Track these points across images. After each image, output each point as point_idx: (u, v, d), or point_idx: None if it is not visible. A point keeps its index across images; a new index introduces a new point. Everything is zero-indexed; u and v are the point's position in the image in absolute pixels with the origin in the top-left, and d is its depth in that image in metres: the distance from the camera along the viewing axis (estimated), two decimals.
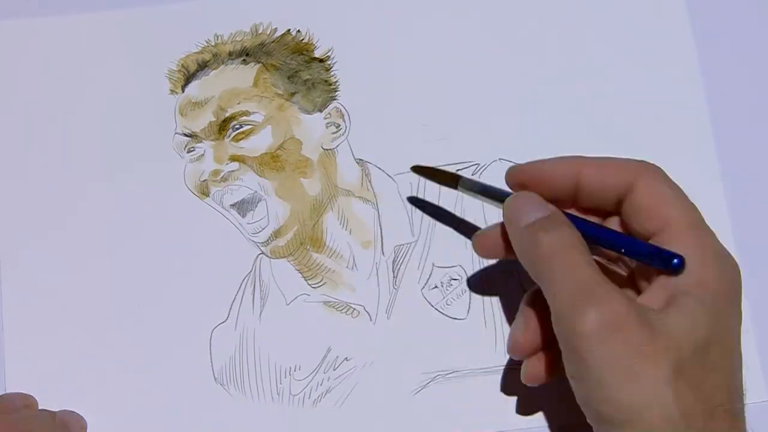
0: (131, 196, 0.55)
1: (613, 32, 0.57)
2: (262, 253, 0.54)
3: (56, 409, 0.51)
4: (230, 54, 0.57)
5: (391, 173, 0.55)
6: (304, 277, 0.54)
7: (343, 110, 0.56)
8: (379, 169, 0.55)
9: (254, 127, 0.55)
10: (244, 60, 0.57)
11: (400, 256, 0.54)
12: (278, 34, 0.57)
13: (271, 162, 0.55)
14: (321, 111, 0.56)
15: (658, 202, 0.41)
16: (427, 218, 0.54)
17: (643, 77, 0.56)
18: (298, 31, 0.57)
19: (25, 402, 0.51)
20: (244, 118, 0.55)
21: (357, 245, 0.54)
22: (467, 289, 0.53)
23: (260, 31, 0.57)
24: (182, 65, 0.57)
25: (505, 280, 0.53)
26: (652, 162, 0.43)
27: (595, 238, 0.42)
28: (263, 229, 0.54)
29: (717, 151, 0.55)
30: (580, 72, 0.56)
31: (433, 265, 0.53)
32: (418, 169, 0.52)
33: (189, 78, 0.56)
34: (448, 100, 0.56)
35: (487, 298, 0.53)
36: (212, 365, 0.52)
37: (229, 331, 0.53)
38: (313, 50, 0.57)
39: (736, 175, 0.55)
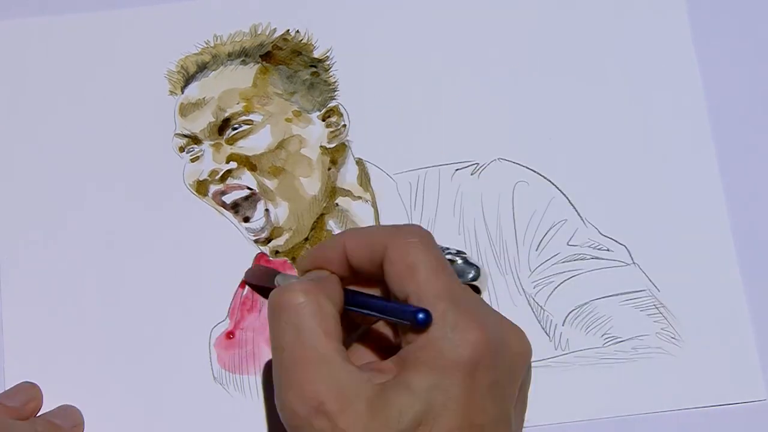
0: (131, 195, 0.55)
1: (613, 32, 0.57)
2: (262, 252, 0.54)
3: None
4: (229, 55, 0.57)
5: (390, 172, 0.55)
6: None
7: (342, 110, 0.56)
8: (379, 168, 0.55)
9: (253, 127, 0.55)
10: (243, 60, 0.57)
11: None
12: (277, 34, 0.57)
13: (270, 161, 0.55)
14: (320, 110, 0.56)
15: (403, 272, 0.41)
16: (426, 216, 0.54)
17: (642, 77, 0.56)
18: (297, 31, 0.57)
19: (30, 396, 0.51)
20: (244, 118, 0.55)
21: None
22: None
23: (259, 32, 0.57)
24: (182, 66, 0.57)
25: (505, 282, 0.53)
26: (418, 226, 0.43)
27: (353, 303, 0.43)
28: (262, 228, 0.54)
29: (717, 151, 0.55)
30: (580, 72, 0.56)
31: None
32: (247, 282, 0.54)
33: (188, 79, 0.57)
34: (448, 99, 0.56)
35: (486, 295, 0.53)
36: (211, 365, 0.52)
37: (229, 330, 0.53)
38: (312, 50, 0.57)
39: (735, 175, 0.55)
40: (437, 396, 0.38)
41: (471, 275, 0.45)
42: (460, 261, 0.45)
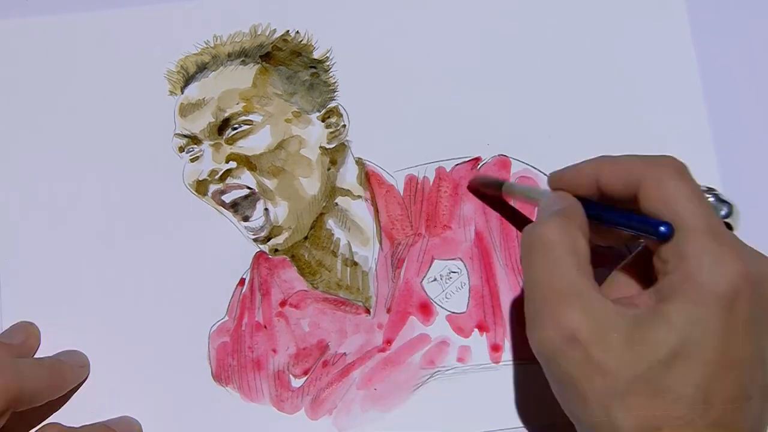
0: (131, 195, 0.55)
1: (613, 31, 0.57)
2: (261, 251, 0.54)
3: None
4: (229, 55, 0.57)
5: (390, 171, 0.55)
6: (302, 275, 0.54)
7: (342, 110, 0.56)
8: (378, 167, 0.55)
9: (253, 127, 0.55)
10: (243, 61, 0.57)
11: (399, 250, 0.54)
12: (277, 35, 0.57)
13: (269, 162, 0.55)
14: (320, 111, 0.56)
15: (660, 203, 0.41)
16: (425, 212, 0.54)
17: (642, 76, 0.56)
18: (297, 32, 0.58)
19: (28, 333, 0.51)
20: (243, 118, 0.55)
21: (356, 243, 0.54)
22: (467, 282, 0.53)
23: (259, 33, 0.57)
24: (181, 66, 0.57)
25: (505, 273, 0.53)
26: (673, 157, 0.43)
27: (592, 215, 0.43)
28: (261, 227, 0.54)
29: (716, 151, 0.55)
30: (580, 69, 0.57)
31: (433, 257, 0.53)
32: (471, 186, 0.54)
33: (188, 79, 0.57)
34: (448, 99, 0.56)
35: (486, 292, 0.53)
36: (211, 363, 0.52)
37: (228, 328, 0.53)
38: (312, 51, 0.57)
39: (735, 174, 0.55)
40: (695, 329, 0.38)
41: (724, 212, 0.45)
42: (711, 198, 0.45)
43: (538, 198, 0.47)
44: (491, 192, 0.54)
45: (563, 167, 0.46)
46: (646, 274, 0.43)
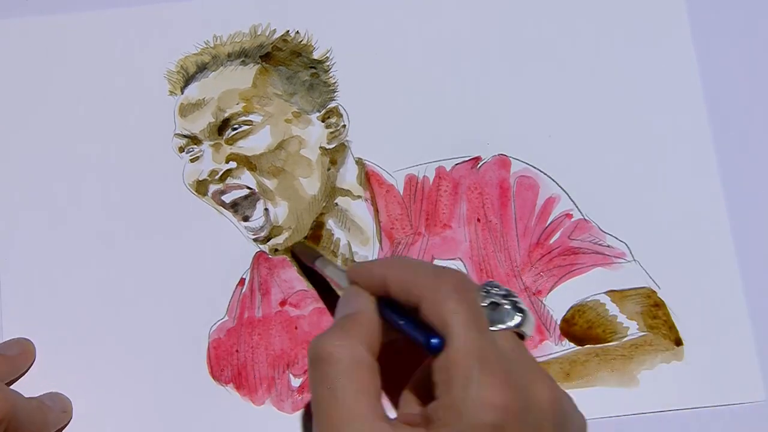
0: (131, 195, 0.55)
1: (613, 31, 0.57)
2: (261, 251, 0.54)
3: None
4: (229, 55, 0.57)
5: (390, 170, 0.55)
6: (302, 274, 0.54)
7: (342, 110, 0.56)
8: (378, 167, 0.55)
9: (253, 128, 0.55)
10: (243, 61, 0.57)
11: (398, 249, 0.54)
12: (277, 35, 0.57)
13: (269, 162, 0.55)
14: (320, 111, 0.56)
15: (436, 322, 0.40)
16: (425, 211, 0.54)
17: (642, 76, 0.56)
18: (297, 32, 0.58)
19: (22, 348, 0.51)
20: (243, 118, 0.55)
21: (355, 242, 0.54)
22: None
23: (259, 33, 0.57)
24: (181, 66, 0.57)
25: (505, 274, 0.53)
26: (456, 273, 0.42)
27: (383, 314, 0.43)
28: (261, 227, 0.54)
29: (716, 149, 0.55)
30: (580, 69, 0.57)
31: (433, 256, 0.53)
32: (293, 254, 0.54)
33: (188, 80, 0.57)
34: (448, 99, 0.56)
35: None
36: (210, 363, 0.52)
37: (228, 328, 0.53)
38: (311, 51, 0.57)
39: (734, 174, 0.55)
40: None
41: (516, 321, 0.43)
42: (507, 305, 0.43)
43: (341, 287, 0.47)
44: (307, 261, 0.53)
45: (361, 261, 0.46)
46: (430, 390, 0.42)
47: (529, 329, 0.43)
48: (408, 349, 0.42)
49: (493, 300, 0.43)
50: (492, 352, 0.39)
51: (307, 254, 0.53)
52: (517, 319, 0.43)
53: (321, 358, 0.41)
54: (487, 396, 0.38)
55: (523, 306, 0.43)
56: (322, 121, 0.56)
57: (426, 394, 0.42)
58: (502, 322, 0.42)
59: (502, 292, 0.44)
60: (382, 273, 0.43)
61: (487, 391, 0.38)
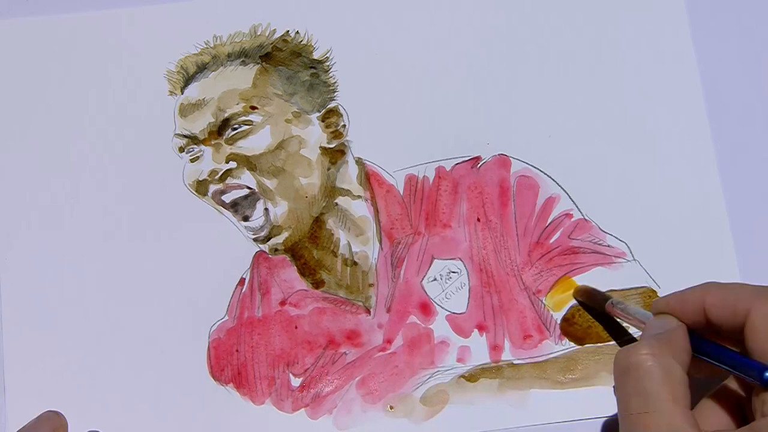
0: (131, 195, 0.55)
1: (613, 31, 0.57)
2: (261, 250, 0.54)
3: (56, 407, 0.51)
4: (229, 55, 0.57)
5: (390, 170, 0.55)
6: (302, 274, 0.54)
7: (342, 110, 0.56)
8: (378, 167, 0.55)
9: (253, 128, 0.55)
10: (243, 61, 0.57)
11: (399, 249, 0.54)
12: (277, 35, 0.57)
13: (269, 162, 0.55)
14: (320, 111, 0.56)
15: (766, 339, 0.39)
16: (425, 211, 0.54)
17: (642, 76, 0.56)
18: (297, 32, 0.58)
19: (53, 426, 0.49)
20: (243, 118, 0.55)
21: (355, 242, 0.54)
22: (467, 282, 0.53)
23: (259, 33, 0.57)
24: (181, 67, 0.57)
25: (505, 274, 0.53)
26: None
27: (701, 350, 0.42)
28: (261, 227, 0.54)
29: (716, 149, 0.55)
30: (580, 69, 0.57)
31: (433, 257, 0.53)
32: (576, 295, 0.53)
33: (188, 80, 0.57)
34: (448, 99, 0.56)
35: (486, 292, 0.53)
36: (210, 362, 0.52)
37: (228, 328, 0.53)
38: (311, 51, 0.57)
39: (734, 173, 0.55)
40: None
41: None
42: None
43: (642, 320, 0.46)
44: (595, 305, 0.52)
45: (669, 294, 0.45)
46: (738, 406, 0.42)
47: None
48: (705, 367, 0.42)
49: None
50: None
51: (594, 296, 0.52)
52: None
53: (632, 367, 0.40)
54: None
55: None
56: (322, 121, 0.56)
57: (733, 409, 0.42)
58: None
59: None
60: (698, 297, 0.43)
61: None
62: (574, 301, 0.53)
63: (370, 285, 0.53)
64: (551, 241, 0.54)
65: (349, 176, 0.55)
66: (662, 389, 0.39)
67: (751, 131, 0.56)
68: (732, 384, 0.43)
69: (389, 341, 0.53)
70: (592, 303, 0.52)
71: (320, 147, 0.56)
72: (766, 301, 0.40)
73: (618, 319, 0.51)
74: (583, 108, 0.56)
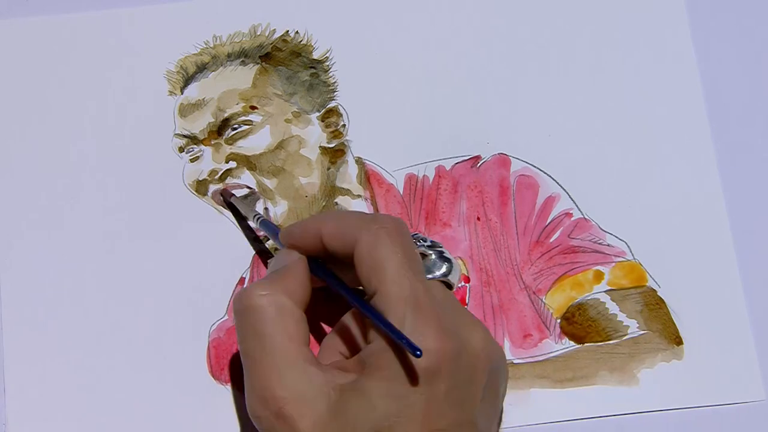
0: (130, 195, 0.55)
1: (613, 31, 0.57)
2: (261, 250, 0.54)
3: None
4: (229, 55, 0.57)
5: (389, 170, 0.55)
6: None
7: (342, 110, 0.56)
8: (378, 166, 0.55)
9: (253, 128, 0.55)
10: (242, 61, 0.57)
11: None
12: (277, 35, 0.57)
13: (269, 161, 0.55)
14: (320, 111, 0.56)
15: (369, 269, 0.41)
16: (425, 210, 0.54)
17: (642, 75, 0.57)
18: (297, 32, 0.58)
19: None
20: (243, 118, 0.55)
21: None
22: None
23: (259, 33, 0.57)
24: (181, 67, 0.57)
25: (505, 272, 0.53)
26: (391, 218, 0.43)
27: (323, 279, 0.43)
28: None
29: (716, 149, 0.55)
30: (580, 68, 0.57)
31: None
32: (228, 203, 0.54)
33: (188, 80, 0.57)
34: (447, 98, 0.56)
35: (486, 291, 0.53)
36: (210, 362, 0.52)
37: (228, 327, 0.53)
38: (311, 51, 0.57)
39: (734, 173, 0.55)
40: (392, 403, 0.38)
41: (443, 271, 0.44)
42: (433, 255, 0.44)
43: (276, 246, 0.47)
44: (245, 215, 0.53)
45: (293, 223, 0.46)
46: (359, 336, 0.43)
47: (455, 278, 0.44)
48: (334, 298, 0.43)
49: (420, 251, 0.43)
50: (425, 297, 0.40)
51: (245, 207, 0.53)
52: (444, 268, 0.44)
53: (246, 308, 0.41)
54: (420, 341, 0.38)
55: (449, 255, 0.44)
56: (322, 121, 0.56)
57: (351, 340, 0.43)
58: (430, 272, 0.43)
59: (428, 243, 0.45)
60: (316, 227, 0.44)
61: (422, 336, 0.38)
62: (574, 301, 0.53)
63: None
64: (551, 240, 0.54)
65: (348, 176, 0.55)
66: (276, 328, 0.40)
67: (751, 131, 0.56)
68: (353, 318, 0.44)
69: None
70: (243, 211, 0.53)
71: (320, 147, 0.56)
72: (368, 230, 0.41)
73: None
74: (583, 107, 0.56)
